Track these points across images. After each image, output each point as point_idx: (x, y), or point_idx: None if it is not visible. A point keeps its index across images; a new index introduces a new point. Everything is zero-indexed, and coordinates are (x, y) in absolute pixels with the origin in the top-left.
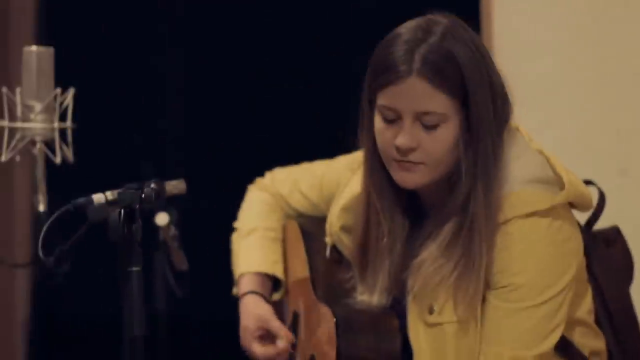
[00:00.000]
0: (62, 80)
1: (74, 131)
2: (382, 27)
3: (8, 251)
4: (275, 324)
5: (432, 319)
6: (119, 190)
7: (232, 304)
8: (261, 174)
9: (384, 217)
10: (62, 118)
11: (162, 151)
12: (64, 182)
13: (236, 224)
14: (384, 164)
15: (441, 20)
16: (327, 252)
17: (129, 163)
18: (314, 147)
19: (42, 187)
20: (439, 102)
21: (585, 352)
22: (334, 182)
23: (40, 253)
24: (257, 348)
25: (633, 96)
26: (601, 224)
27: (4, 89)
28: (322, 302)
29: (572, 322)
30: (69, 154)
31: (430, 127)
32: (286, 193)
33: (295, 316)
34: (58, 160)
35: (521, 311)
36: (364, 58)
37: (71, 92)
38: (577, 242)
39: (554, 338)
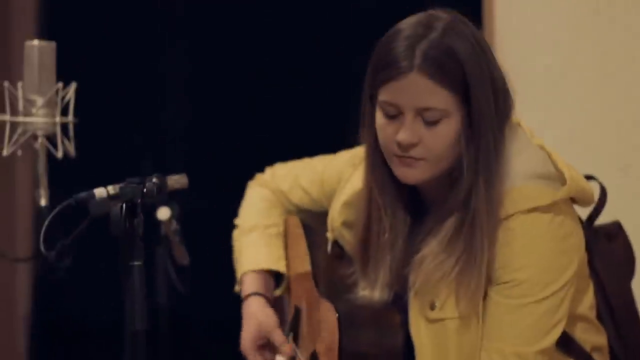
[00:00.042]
0: (63, 74)
1: (75, 126)
2: (383, 26)
3: (9, 245)
4: (277, 336)
5: (433, 314)
6: (121, 185)
7: (234, 299)
8: (262, 170)
9: (385, 212)
10: (64, 112)
11: (164, 146)
12: (66, 176)
13: (237, 221)
14: (385, 159)
15: (442, 16)
16: (329, 248)
17: (131, 157)
18: (315, 145)
19: (43, 181)
20: (440, 98)
21: (587, 348)
22: (335, 177)
23: (42, 247)
24: (255, 359)
25: (635, 92)
26: (603, 221)
27: (6, 83)
28: (324, 298)
29: (573, 318)
30: (71, 149)
31: (431, 123)
32: (286, 189)
33: (297, 311)
34: (60, 154)
35: (523, 307)
36: (365, 57)
37: (73, 86)
38: (578, 238)
39: (556, 334)
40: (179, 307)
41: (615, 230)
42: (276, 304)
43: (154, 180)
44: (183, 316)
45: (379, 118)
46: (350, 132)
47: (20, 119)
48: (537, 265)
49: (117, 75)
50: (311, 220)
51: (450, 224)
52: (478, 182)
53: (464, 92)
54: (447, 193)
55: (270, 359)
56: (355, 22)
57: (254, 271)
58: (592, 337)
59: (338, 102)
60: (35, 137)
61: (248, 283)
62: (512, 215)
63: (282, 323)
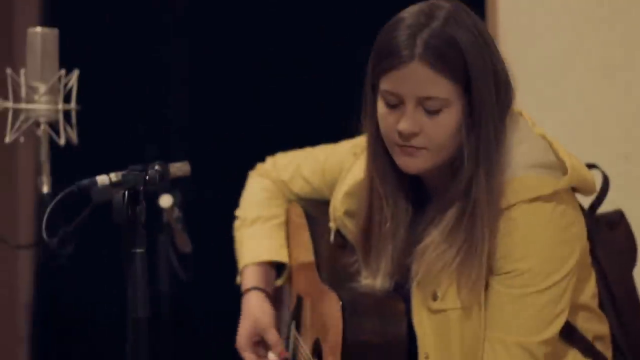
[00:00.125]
0: (66, 61)
1: (78, 113)
2: (386, 16)
3: (12, 232)
4: (272, 336)
5: (435, 305)
6: (123, 172)
7: (235, 287)
8: (264, 158)
9: (387, 202)
10: (67, 100)
11: (166, 133)
12: (68, 163)
13: (238, 212)
14: (387, 149)
15: (444, 5)
16: (331, 237)
17: (133, 145)
18: (317, 134)
19: (46, 168)
20: (441, 87)
21: (589, 337)
22: (336, 166)
23: (44, 234)
24: (249, 357)
25: (637, 81)
26: (605, 209)
27: (9, 70)
28: (327, 286)
29: (575, 307)
30: (73, 136)
31: (432, 112)
32: (287, 179)
33: (299, 300)
34: (62, 141)
35: (525, 297)
36: (367, 47)
37: (75, 73)
38: (580, 227)
39: (559, 324)
40: (181, 294)
41: (617, 219)
42: (276, 294)
43: (157, 167)
44: (185, 303)
45: (381, 107)
46: (352, 121)
47: (23, 105)
48: (539, 255)
49: (119, 63)
50: (313, 209)
51: (451, 213)
52: (479, 172)
53: (465, 82)
54: (449, 182)
55: (264, 356)
56: (358, 12)
57: (255, 264)
58: (594, 326)
59: (341, 92)
60: (37, 124)
61: (248, 276)
62: (514, 205)
63: (280, 314)
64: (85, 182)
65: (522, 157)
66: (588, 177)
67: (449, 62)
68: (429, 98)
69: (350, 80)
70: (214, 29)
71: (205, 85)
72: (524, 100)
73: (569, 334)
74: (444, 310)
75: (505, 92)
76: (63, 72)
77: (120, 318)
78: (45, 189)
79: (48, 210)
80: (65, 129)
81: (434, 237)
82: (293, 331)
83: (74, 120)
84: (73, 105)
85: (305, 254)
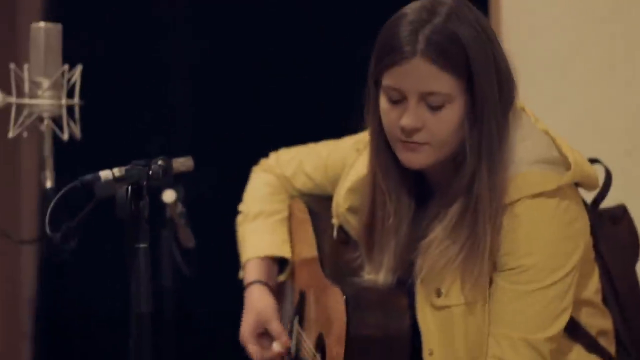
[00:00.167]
0: (69, 56)
1: (81, 108)
2: (386, 16)
3: (15, 227)
4: (275, 326)
5: (439, 301)
6: (127, 167)
7: (238, 282)
8: (267, 154)
9: (389, 197)
10: (70, 95)
11: (169, 129)
12: (71, 158)
13: (241, 207)
14: (389, 144)
15: (446, 1)
16: (334, 233)
17: (137, 140)
18: (319, 130)
19: (49, 163)
20: (443, 83)
21: (593, 332)
22: (339, 162)
23: (47, 229)
24: (253, 348)
25: None
26: (608, 204)
27: (12, 65)
28: (331, 281)
29: (579, 303)
30: (77, 131)
31: (435, 108)
32: (290, 174)
33: (302, 295)
34: (65, 136)
35: (530, 293)
36: (367, 48)
37: (79, 68)
38: (584, 222)
39: (564, 320)
40: (184, 289)
41: (620, 214)
42: (279, 290)
43: (160, 162)
44: (188, 298)
45: (383, 103)
46: (354, 117)
47: (26, 101)
48: (544, 251)
49: (123, 58)
50: (316, 205)
51: (454, 209)
52: (481, 168)
53: (467, 77)
54: (452, 178)
55: (268, 347)
56: (358, 11)
57: (257, 258)
58: (597, 321)
59: (343, 88)
60: (41, 119)
61: (251, 270)
62: (517, 200)
63: (282, 309)
64: (88, 177)
65: (525, 152)
66: (591, 172)
67: (451, 58)
68: (431, 93)
69: (353, 74)
70: (217, 23)
71: (209, 80)
72: (527, 96)
73: (573, 330)
74: (448, 307)
75: (507, 88)
76: (66, 67)
77: (123, 313)
78: (49, 184)
79: (51, 205)
80: (68, 124)
81: (437, 233)
82: (296, 326)
83: (77, 115)
84: (76, 100)
85: (308, 249)
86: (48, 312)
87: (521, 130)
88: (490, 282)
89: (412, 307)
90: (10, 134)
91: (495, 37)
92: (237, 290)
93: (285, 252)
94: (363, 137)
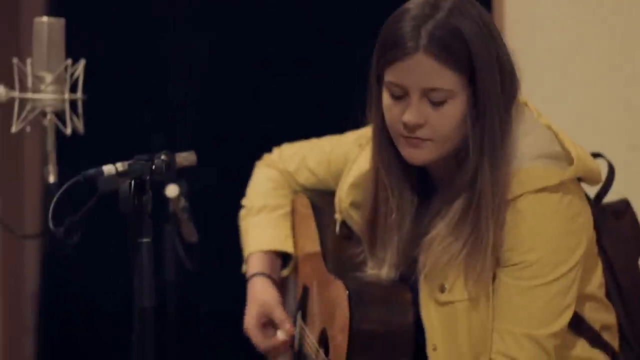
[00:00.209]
0: (72, 51)
1: (84, 102)
2: (387, 15)
3: (18, 222)
4: (279, 315)
5: (443, 297)
6: (130, 162)
7: (241, 276)
8: (270, 149)
9: (392, 193)
10: (73, 89)
11: (172, 123)
12: (74, 153)
13: (244, 202)
14: (392, 140)
15: None
16: (337, 229)
17: (139, 134)
18: (323, 125)
19: (52, 158)
20: (445, 78)
21: (596, 327)
22: (341, 158)
23: (50, 224)
24: (258, 338)
25: None
26: (611, 199)
27: (15, 60)
28: (334, 276)
29: (582, 297)
30: (80, 125)
31: (437, 104)
32: (293, 169)
33: (305, 290)
34: (68, 131)
35: (534, 289)
36: (368, 47)
37: (82, 63)
38: (587, 217)
39: (567, 316)
40: (187, 284)
41: (623, 208)
42: (282, 285)
43: (163, 157)
44: (191, 293)
45: (386, 99)
46: (356, 113)
47: (29, 95)
48: (547, 246)
49: (126, 52)
50: (319, 200)
51: (457, 205)
52: (483, 163)
53: (469, 73)
54: (454, 173)
55: (272, 337)
56: (358, 11)
57: (260, 252)
58: (601, 316)
59: (346, 83)
60: (44, 113)
61: (253, 263)
62: (520, 195)
63: (285, 304)
64: (91, 171)
65: (527, 148)
66: (594, 167)
67: (454, 53)
68: (433, 89)
69: (356, 69)
70: (220, 17)
71: (212, 74)
72: (531, 91)
73: (577, 325)
74: (451, 302)
75: (510, 83)
76: (69, 61)
77: (126, 307)
78: (52, 179)
79: (54, 199)
80: (71, 119)
81: (440, 229)
82: (299, 321)
83: (80, 110)
84: (79, 95)
85: (312, 244)
86: (51, 307)
87: (524, 125)
88: (494, 277)
89: (415, 303)
90: (13, 129)
91: (498, 33)
92: (240, 285)
93: (287, 246)
94: (365, 132)
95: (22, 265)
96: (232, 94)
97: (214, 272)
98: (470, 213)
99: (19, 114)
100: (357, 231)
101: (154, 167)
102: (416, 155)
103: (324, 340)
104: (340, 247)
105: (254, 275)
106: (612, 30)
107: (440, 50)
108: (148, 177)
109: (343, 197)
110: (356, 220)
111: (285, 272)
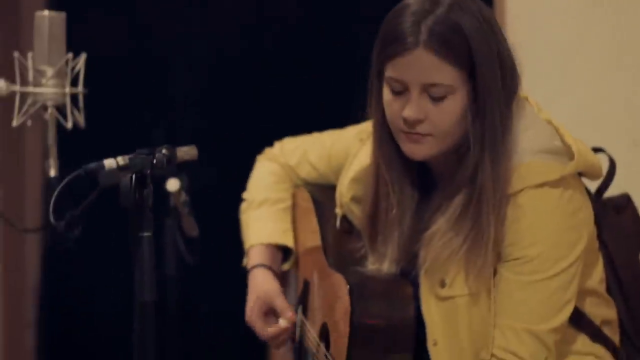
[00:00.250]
0: (73, 45)
1: (85, 96)
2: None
3: (19, 216)
4: (280, 303)
5: (444, 292)
6: (130, 156)
7: (242, 270)
8: (271, 143)
9: (393, 188)
10: (74, 83)
11: (173, 117)
12: (75, 147)
13: (245, 195)
14: (392, 135)
15: None
16: (338, 223)
17: (140, 128)
18: (324, 119)
19: (53, 152)
20: (445, 74)
21: (597, 322)
22: (342, 152)
23: (51, 218)
24: (260, 326)
25: None
26: (612, 194)
27: (16, 54)
28: (335, 270)
29: (583, 292)
30: (81, 119)
31: (437, 99)
32: (294, 164)
33: (306, 284)
34: (69, 125)
35: (534, 284)
36: (368, 47)
37: (83, 57)
38: (587, 212)
39: (567, 311)
40: (187, 278)
41: (624, 203)
42: (283, 279)
43: (164, 151)
44: (192, 287)
45: (386, 94)
46: (356, 108)
47: (30, 89)
48: (547, 241)
49: (127, 46)
50: (320, 194)
51: (458, 200)
52: (484, 158)
53: (470, 68)
54: (455, 169)
55: (273, 328)
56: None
57: (261, 244)
58: (602, 311)
59: (346, 83)
60: (45, 107)
61: (254, 256)
62: (521, 190)
63: (287, 298)
64: (92, 165)
65: (528, 143)
66: (595, 161)
67: (454, 49)
68: (433, 85)
69: (358, 66)
70: (221, 14)
71: (214, 70)
72: (531, 86)
73: (578, 319)
74: (452, 297)
75: (510, 78)
76: (70, 55)
77: (127, 302)
78: (53, 173)
79: (55, 193)
80: (72, 113)
81: (440, 224)
82: (300, 315)
83: (81, 103)
84: (80, 88)
85: (313, 238)
86: (52, 301)
87: (524, 120)
88: (495, 272)
89: (416, 298)
90: (14, 123)
91: (498, 28)
92: (241, 279)
93: (288, 240)
94: (366, 127)
95: (23, 259)
96: (233, 90)
97: (215, 266)
98: (471, 208)
99: (20, 108)
100: (358, 226)
101: (155, 161)
102: (416, 150)
103: (324, 334)
104: (341, 242)
105: (254, 266)
106: (613, 24)
107: (440, 45)
108: (149, 171)
109: (344, 191)
110: (357, 215)
111: (286, 266)
